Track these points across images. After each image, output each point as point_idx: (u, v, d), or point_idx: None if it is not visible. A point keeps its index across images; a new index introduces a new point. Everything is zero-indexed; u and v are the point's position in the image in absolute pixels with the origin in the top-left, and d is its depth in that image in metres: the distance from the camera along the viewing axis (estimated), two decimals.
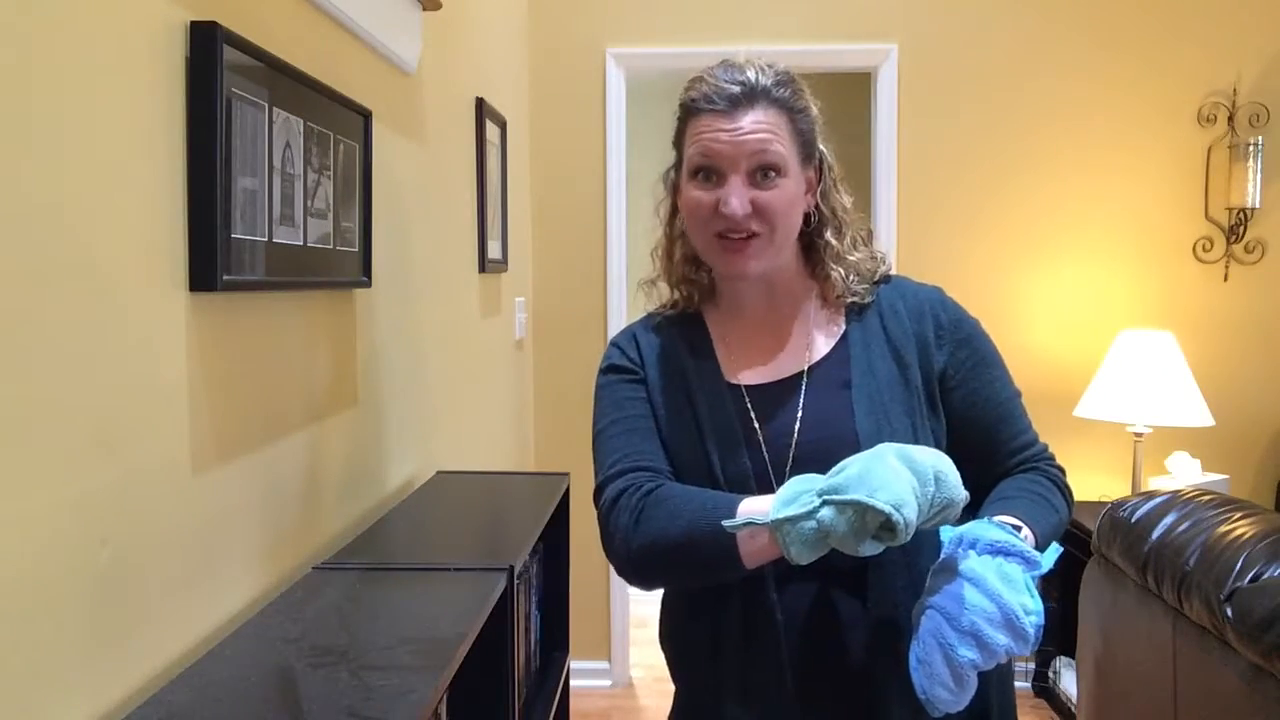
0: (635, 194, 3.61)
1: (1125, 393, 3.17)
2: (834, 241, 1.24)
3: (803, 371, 1.21)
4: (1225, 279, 3.45)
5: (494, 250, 2.69)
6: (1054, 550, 1.03)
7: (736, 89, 1.15)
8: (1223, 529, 1.79)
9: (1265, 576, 1.61)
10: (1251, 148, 3.31)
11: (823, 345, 1.23)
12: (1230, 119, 3.39)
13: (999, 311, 3.45)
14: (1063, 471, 1.23)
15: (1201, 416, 3.14)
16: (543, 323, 3.54)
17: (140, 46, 0.99)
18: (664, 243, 1.32)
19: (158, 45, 1.02)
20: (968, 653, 0.94)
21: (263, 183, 1.21)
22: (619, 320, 3.55)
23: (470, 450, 2.46)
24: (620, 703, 3.47)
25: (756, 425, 1.19)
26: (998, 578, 0.96)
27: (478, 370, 2.63)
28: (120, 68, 0.96)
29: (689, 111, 1.19)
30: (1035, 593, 0.97)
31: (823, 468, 1.02)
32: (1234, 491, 3.32)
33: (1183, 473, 3.23)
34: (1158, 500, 2.04)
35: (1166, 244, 3.46)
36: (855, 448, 1.05)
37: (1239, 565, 1.66)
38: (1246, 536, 1.72)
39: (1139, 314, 3.43)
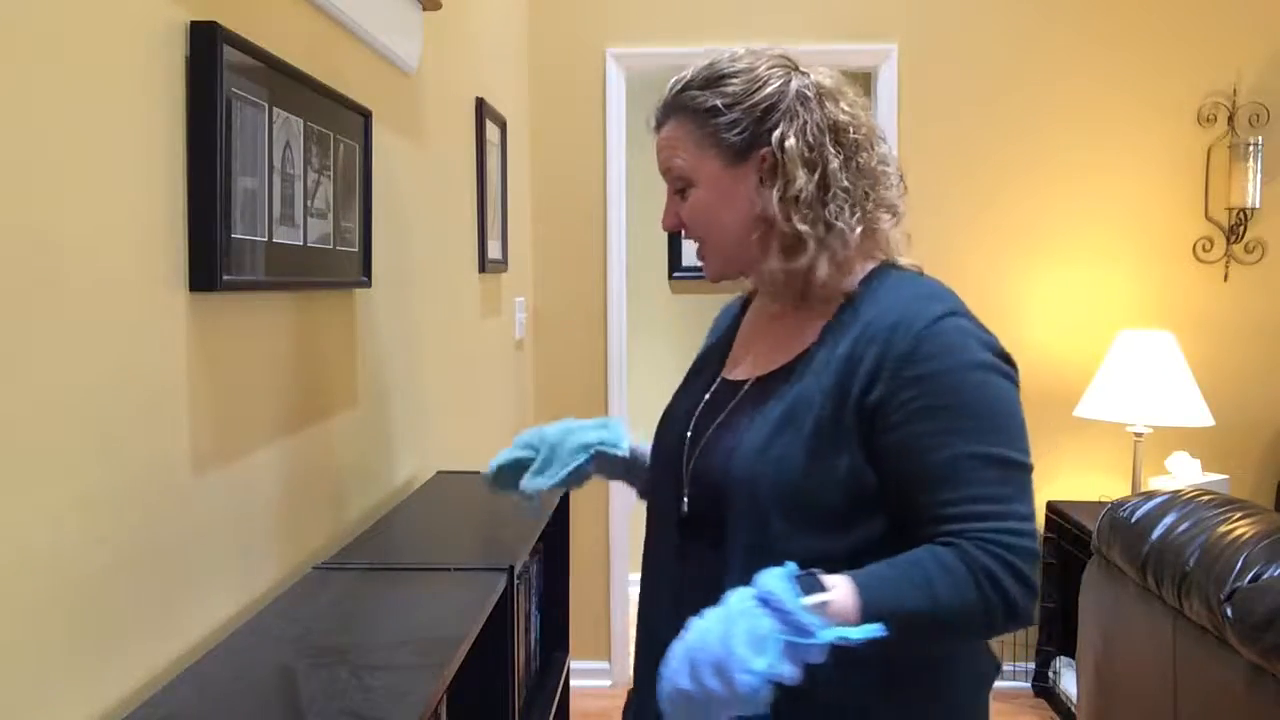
0: (635, 194, 3.61)
1: (1125, 393, 3.17)
2: (803, 227, 1.08)
3: (748, 379, 1.15)
4: (1225, 279, 3.45)
5: (494, 250, 2.69)
6: (868, 630, 0.88)
7: (658, 105, 1.16)
8: (1223, 529, 1.79)
9: (1265, 576, 1.61)
10: (1251, 148, 3.31)
11: (787, 355, 1.12)
12: (1230, 119, 3.39)
13: (999, 312, 3.44)
14: (1013, 564, 0.96)
15: (1201, 416, 3.14)
16: (543, 323, 3.54)
17: (140, 46, 0.99)
18: None
19: (158, 45, 1.02)
20: (680, 681, 0.88)
21: (263, 183, 1.21)
22: (619, 320, 3.55)
23: (470, 450, 2.46)
24: (620, 703, 3.47)
25: (692, 421, 1.18)
26: (743, 625, 0.87)
27: (478, 370, 2.63)
28: (120, 68, 0.96)
29: None
30: (779, 658, 0.86)
31: (702, 489, 1.10)
32: (1234, 491, 3.32)
33: (1183, 473, 3.23)
34: (1158, 500, 2.04)
35: (1166, 244, 3.45)
36: (727, 472, 1.07)
37: (1239, 565, 1.66)
38: (1246, 536, 1.72)
39: (1139, 314, 3.43)
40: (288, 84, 1.28)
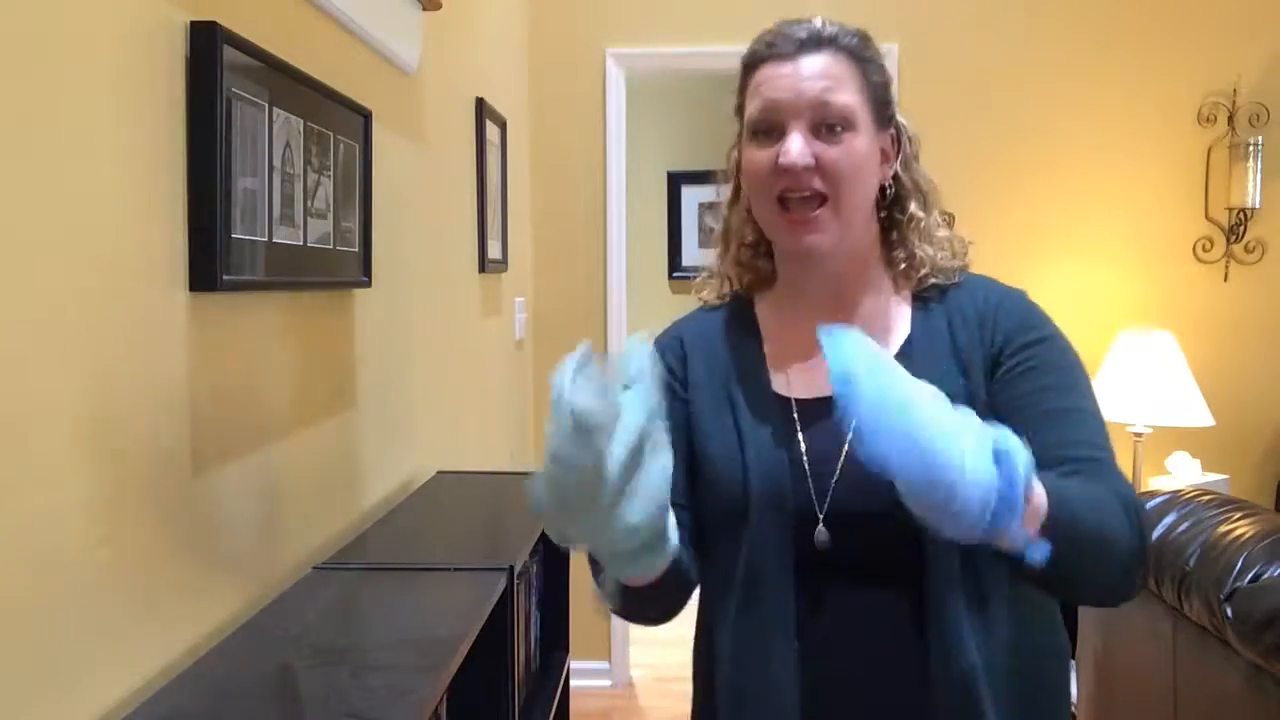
0: (635, 194, 3.61)
1: (1125, 393, 3.17)
2: (920, 214, 1.09)
3: None
4: (1225, 279, 3.45)
5: (494, 250, 2.69)
6: (1040, 549, 0.80)
7: (802, 33, 1.03)
8: (1223, 529, 1.79)
9: (1265, 576, 1.61)
10: (1251, 148, 3.31)
11: (891, 348, 1.06)
12: (1230, 119, 3.39)
13: None
14: (1136, 502, 0.96)
15: (1201, 416, 3.14)
16: (543, 323, 3.54)
17: (140, 46, 0.99)
18: (722, 223, 1.18)
19: (158, 45, 1.02)
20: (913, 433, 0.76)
21: (263, 183, 1.21)
22: (619, 320, 3.55)
23: (470, 450, 2.46)
24: (620, 703, 3.47)
25: (803, 449, 1.03)
26: (973, 444, 0.77)
27: (478, 370, 2.63)
28: (120, 68, 0.96)
29: (748, 67, 1.07)
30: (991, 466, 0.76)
31: (867, 502, 0.92)
32: (1234, 491, 3.32)
33: (1183, 473, 3.23)
34: (1158, 500, 2.04)
35: (1166, 244, 3.45)
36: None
37: (1239, 565, 1.66)
38: (1246, 536, 1.72)
39: (1139, 314, 3.43)
40: (288, 84, 1.28)
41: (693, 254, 4.56)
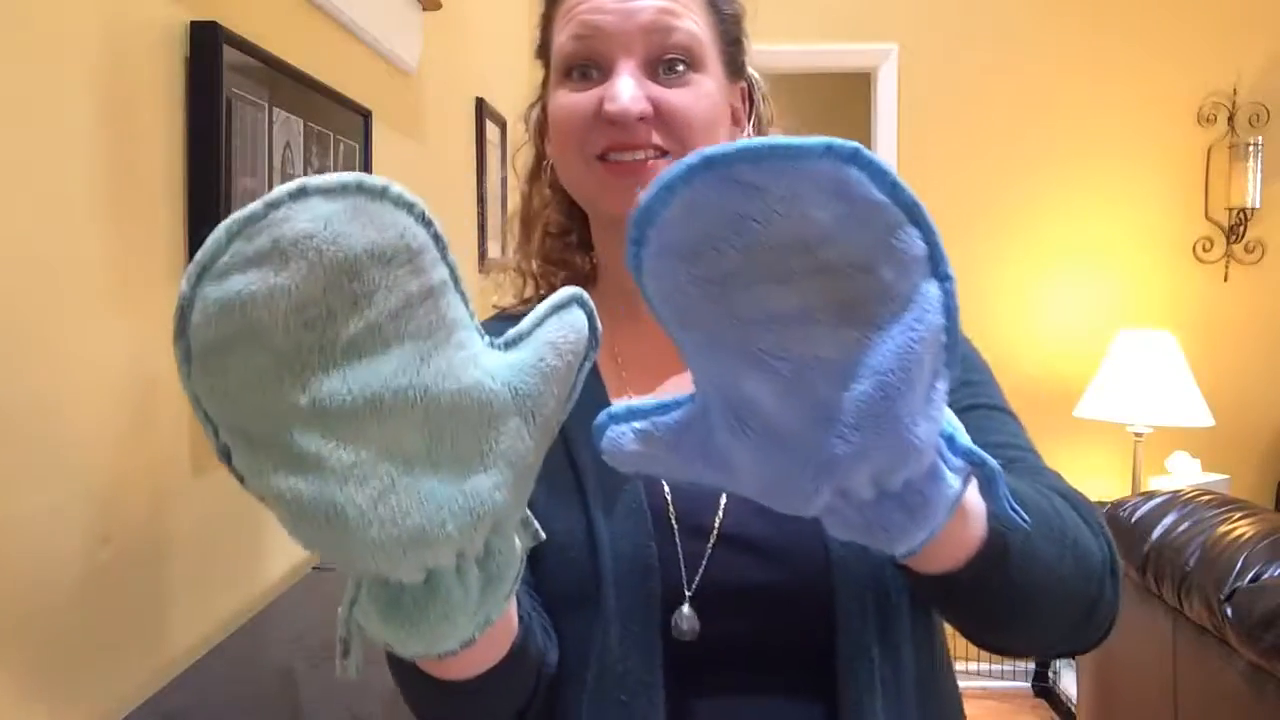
0: None
1: (1125, 393, 3.17)
2: None
3: None
4: (1225, 279, 3.45)
5: (494, 250, 2.69)
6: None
7: None
8: (1223, 529, 1.79)
9: (1265, 576, 1.61)
10: (1251, 148, 3.31)
11: None
12: (1230, 119, 3.39)
13: (999, 311, 3.44)
14: (1088, 503, 0.76)
15: (1201, 416, 3.14)
16: None
17: (140, 47, 0.99)
18: (522, 205, 0.92)
19: (158, 45, 1.02)
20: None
21: (263, 183, 1.21)
22: None
23: None
24: None
25: (669, 501, 0.76)
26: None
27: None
28: (120, 67, 0.96)
29: None
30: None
31: (752, 568, 0.72)
32: (1234, 491, 3.32)
33: (1183, 473, 3.23)
34: (1158, 500, 2.04)
35: (1166, 244, 3.45)
36: (816, 548, 0.71)
37: (1239, 565, 1.66)
38: (1246, 536, 1.72)
39: (1139, 314, 3.43)
40: (288, 84, 1.28)
41: None
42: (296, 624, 1.16)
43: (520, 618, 0.67)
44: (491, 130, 2.66)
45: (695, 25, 0.77)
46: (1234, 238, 3.42)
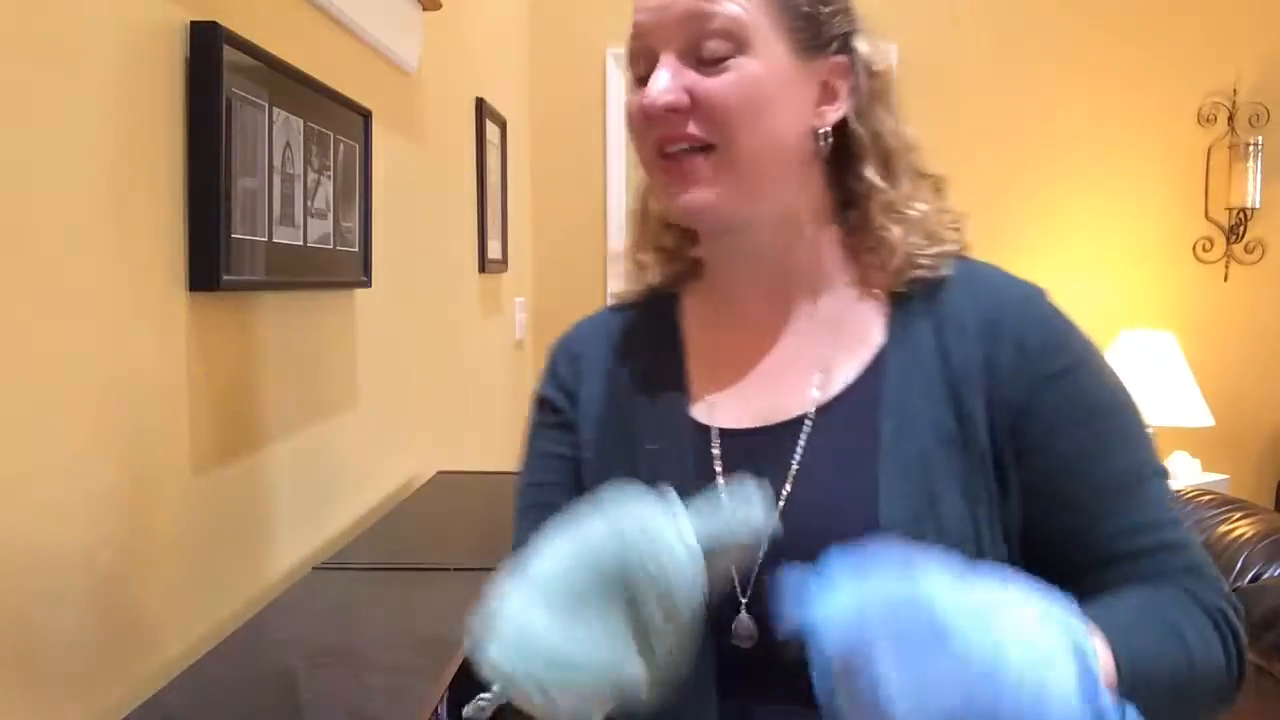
0: (635, 194, 3.60)
1: None
2: (877, 180, 0.79)
3: (806, 415, 0.77)
4: (1225, 279, 3.45)
5: (494, 250, 2.69)
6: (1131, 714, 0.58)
7: None
8: (1223, 529, 1.79)
9: (1265, 576, 1.61)
10: (1251, 148, 3.31)
11: (847, 369, 0.78)
12: (1230, 119, 3.39)
13: None
14: (1236, 604, 0.75)
15: (1201, 416, 3.14)
16: (543, 323, 3.54)
17: (140, 47, 0.99)
18: (638, 200, 0.91)
19: (158, 45, 1.02)
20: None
21: (263, 183, 1.21)
22: None
23: (470, 450, 2.46)
24: None
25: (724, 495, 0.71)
26: (1045, 675, 0.54)
27: (478, 370, 2.63)
28: (120, 68, 0.96)
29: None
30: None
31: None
32: (1234, 491, 3.32)
33: (1183, 473, 3.23)
34: None
35: (1166, 244, 3.45)
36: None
37: (1239, 565, 1.66)
38: (1246, 536, 1.72)
39: (1139, 314, 3.43)
40: (288, 84, 1.28)
41: None
42: (296, 624, 1.16)
43: None
44: (491, 130, 2.66)
45: (739, 7, 0.73)
46: (1234, 238, 3.42)
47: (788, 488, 0.75)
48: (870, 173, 0.79)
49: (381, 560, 1.43)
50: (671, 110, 0.73)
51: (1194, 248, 3.45)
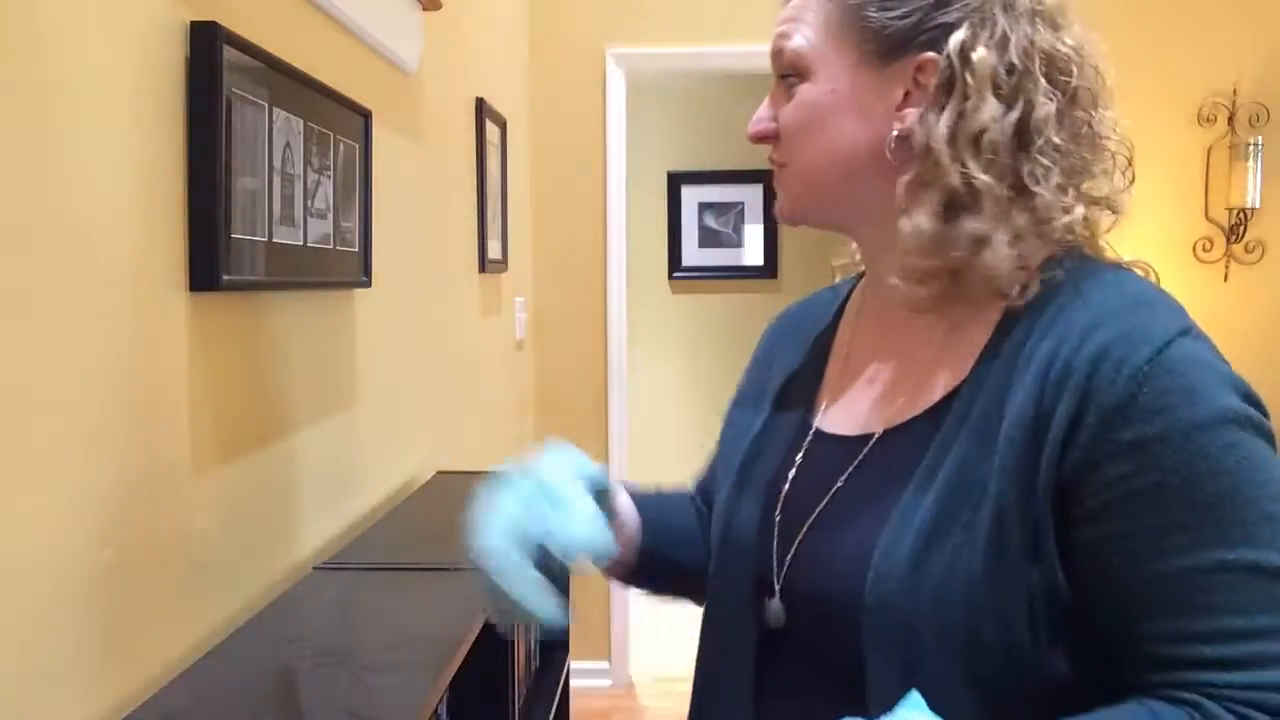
0: (635, 194, 3.61)
1: None
2: (983, 177, 0.73)
3: (874, 433, 0.79)
4: (1225, 279, 3.45)
5: (494, 250, 2.69)
6: None
7: None
8: None
9: None
10: (1251, 148, 3.31)
11: (934, 391, 0.76)
12: (1230, 119, 3.39)
13: None
14: None
15: None
16: (543, 323, 3.54)
17: (140, 46, 0.99)
18: None
19: (158, 45, 1.02)
20: None
21: (263, 183, 1.21)
22: (619, 320, 3.55)
23: (470, 450, 2.46)
24: (620, 703, 3.47)
25: (781, 500, 0.82)
26: None
27: (478, 370, 2.63)
28: (120, 68, 0.96)
29: None
30: None
31: (814, 607, 0.76)
32: None
33: None
34: None
35: (1166, 244, 3.45)
36: (853, 597, 0.71)
37: None
38: None
39: None
40: (288, 84, 1.28)
41: (693, 254, 4.56)
42: (296, 624, 1.16)
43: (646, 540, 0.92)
44: (491, 130, 2.66)
45: (804, 38, 0.79)
46: (1234, 238, 3.42)
47: (824, 501, 0.79)
48: (967, 170, 0.74)
49: (381, 560, 1.43)
50: (760, 138, 0.83)
51: (1194, 248, 3.45)
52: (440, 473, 2.05)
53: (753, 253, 4.55)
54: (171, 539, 1.05)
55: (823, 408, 0.85)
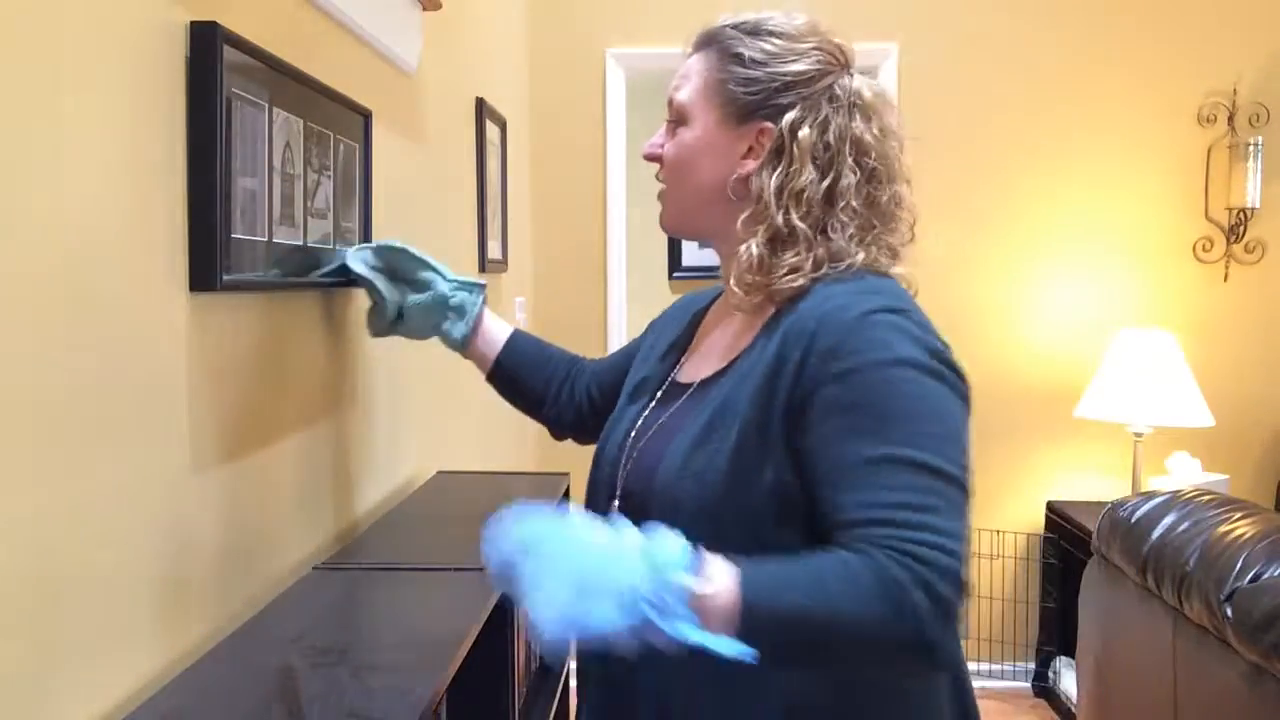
0: (635, 194, 3.60)
1: (1125, 393, 3.17)
2: (800, 224, 1.01)
3: (694, 383, 1.10)
4: (1225, 279, 3.45)
5: (494, 250, 2.69)
6: (733, 648, 0.80)
7: (699, 33, 1.11)
8: (1223, 529, 1.79)
9: (1265, 576, 1.61)
10: (1251, 148, 3.31)
11: (732, 354, 1.07)
12: (1230, 119, 3.39)
13: (999, 311, 3.45)
14: (926, 579, 0.82)
15: (1201, 416, 3.14)
16: (543, 323, 3.54)
17: (140, 47, 0.99)
18: None
19: (158, 45, 1.02)
20: (537, 573, 0.84)
21: (263, 183, 1.21)
22: (619, 320, 3.55)
23: (470, 450, 2.46)
24: None
25: (636, 426, 1.12)
26: (620, 573, 0.82)
27: (478, 370, 2.62)
28: (120, 68, 0.96)
29: None
30: (628, 628, 0.81)
31: (630, 499, 1.05)
32: (1234, 491, 3.32)
33: (1183, 473, 3.23)
34: (1158, 500, 2.04)
35: (1166, 244, 3.45)
36: (650, 486, 1.02)
37: (1239, 565, 1.66)
38: (1246, 536, 1.72)
39: (1139, 314, 3.43)
40: (288, 84, 1.28)
41: (693, 254, 4.56)
42: (296, 624, 1.16)
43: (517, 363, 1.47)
44: (491, 130, 2.66)
45: (686, 94, 1.08)
46: (1234, 238, 3.42)
47: (654, 428, 1.09)
48: (789, 216, 1.02)
49: (381, 560, 1.43)
50: (650, 158, 1.13)
51: (1194, 248, 3.45)
52: (440, 473, 2.06)
53: None
54: (171, 539, 1.06)
55: (681, 365, 1.16)
